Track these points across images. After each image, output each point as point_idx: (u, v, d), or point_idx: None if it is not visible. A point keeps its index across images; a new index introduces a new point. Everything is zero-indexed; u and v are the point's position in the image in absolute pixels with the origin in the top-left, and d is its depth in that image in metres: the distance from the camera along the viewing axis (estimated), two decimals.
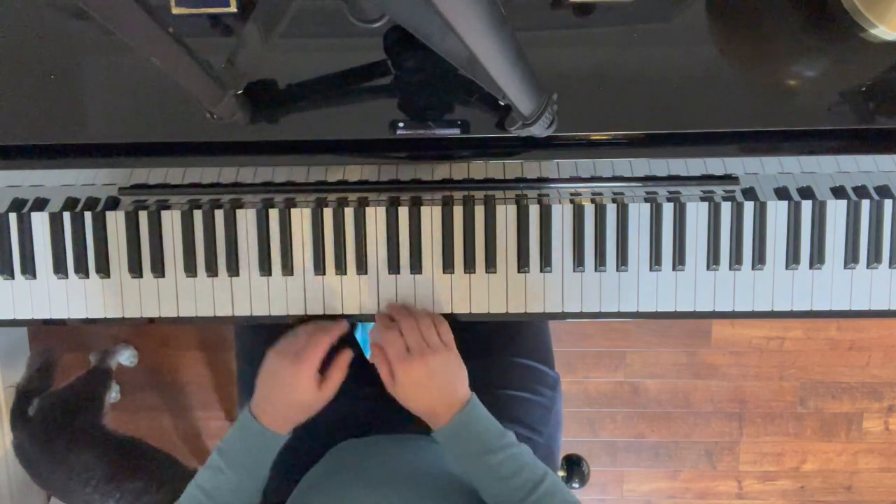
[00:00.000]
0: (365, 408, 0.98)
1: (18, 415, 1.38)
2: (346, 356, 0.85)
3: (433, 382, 0.79)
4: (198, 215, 0.89)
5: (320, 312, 0.91)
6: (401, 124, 0.69)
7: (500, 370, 1.01)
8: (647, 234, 0.91)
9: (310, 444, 0.88)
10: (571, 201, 0.90)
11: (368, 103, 0.71)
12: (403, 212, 0.90)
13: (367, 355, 1.09)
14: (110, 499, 1.33)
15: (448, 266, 0.90)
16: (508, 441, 0.77)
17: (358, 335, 1.48)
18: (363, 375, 1.08)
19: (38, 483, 1.39)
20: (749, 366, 1.89)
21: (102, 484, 1.32)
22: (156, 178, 0.78)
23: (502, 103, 0.66)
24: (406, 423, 0.96)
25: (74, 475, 1.32)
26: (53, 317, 0.91)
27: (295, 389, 0.80)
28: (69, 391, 1.47)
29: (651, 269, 0.91)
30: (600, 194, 0.87)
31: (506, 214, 0.90)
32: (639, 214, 0.90)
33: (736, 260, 0.91)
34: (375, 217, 0.89)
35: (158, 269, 0.90)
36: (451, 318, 0.92)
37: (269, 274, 0.90)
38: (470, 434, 0.77)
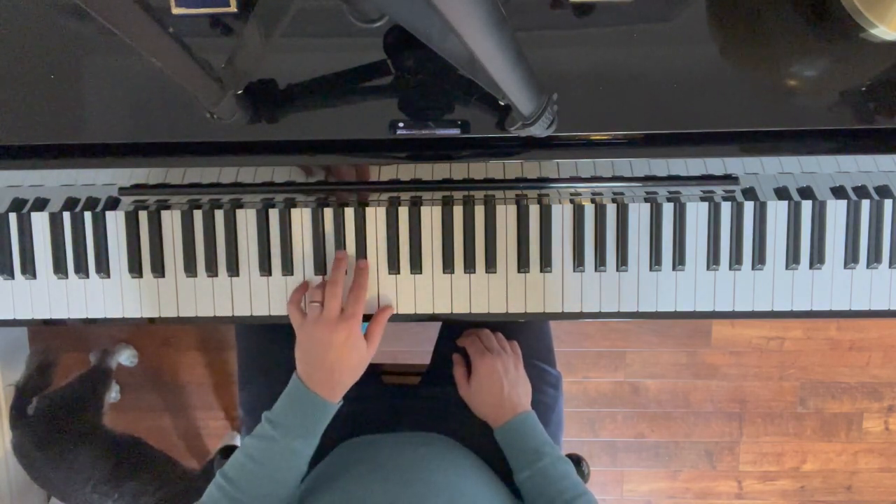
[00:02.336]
0: (368, 408, 0.98)
1: (18, 414, 1.38)
2: (387, 312, 0.89)
3: (506, 376, 0.91)
4: (198, 215, 0.89)
5: None
6: (401, 124, 0.69)
7: None
8: (647, 234, 0.91)
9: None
10: (571, 201, 0.90)
11: (368, 103, 0.71)
12: (403, 212, 0.90)
13: None
14: (109, 498, 1.33)
15: (448, 266, 0.90)
16: (559, 453, 0.86)
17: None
18: (366, 377, 1.08)
19: (37, 482, 1.39)
20: (749, 366, 1.89)
21: (101, 484, 1.32)
22: (156, 178, 0.78)
23: (502, 103, 0.66)
24: (408, 421, 0.96)
25: (73, 474, 1.32)
26: (53, 317, 0.91)
27: (351, 350, 0.81)
28: (69, 390, 1.47)
29: (651, 269, 0.91)
30: (600, 194, 0.87)
31: (506, 214, 0.90)
32: (639, 214, 0.90)
33: (736, 260, 0.91)
34: (375, 217, 0.90)
35: (158, 269, 0.90)
36: (452, 319, 0.92)
37: (269, 274, 0.90)
38: (528, 434, 0.87)
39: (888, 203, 0.91)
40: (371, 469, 0.80)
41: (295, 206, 0.89)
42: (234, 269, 0.90)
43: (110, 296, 0.91)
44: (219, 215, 0.89)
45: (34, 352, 1.50)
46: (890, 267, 0.92)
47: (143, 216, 0.89)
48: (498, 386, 0.90)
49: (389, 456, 0.84)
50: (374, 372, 1.15)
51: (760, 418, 1.92)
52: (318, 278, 0.90)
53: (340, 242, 0.89)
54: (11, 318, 0.91)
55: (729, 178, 0.79)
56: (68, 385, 1.49)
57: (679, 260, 0.91)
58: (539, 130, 0.60)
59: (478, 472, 0.84)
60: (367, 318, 0.91)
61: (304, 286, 0.89)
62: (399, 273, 0.90)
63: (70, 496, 1.35)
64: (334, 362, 0.80)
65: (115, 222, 0.90)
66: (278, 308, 0.91)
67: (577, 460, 1.04)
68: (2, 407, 1.62)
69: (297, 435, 0.79)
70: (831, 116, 0.70)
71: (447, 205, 0.90)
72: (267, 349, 1.03)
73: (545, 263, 0.90)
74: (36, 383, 1.43)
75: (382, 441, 0.89)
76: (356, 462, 0.83)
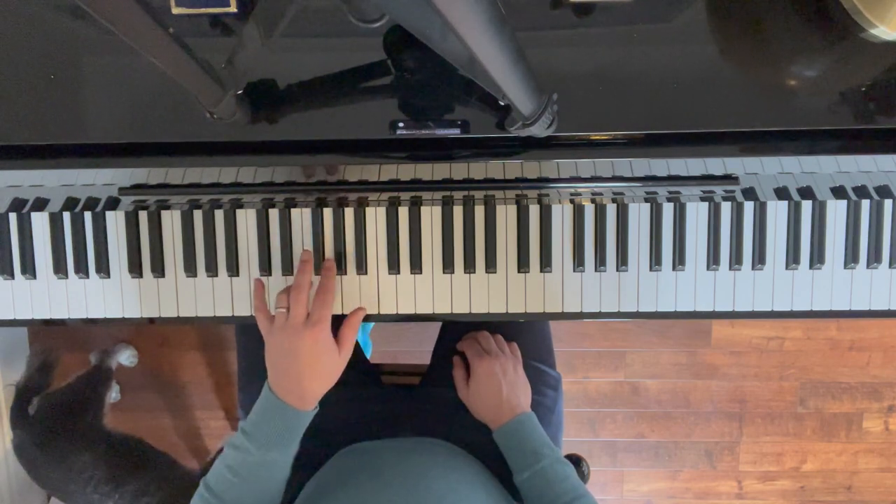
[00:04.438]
0: (368, 410, 0.98)
1: (19, 414, 1.38)
2: (359, 314, 0.87)
3: (504, 378, 0.91)
4: (198, 215, 0.89)
5: None
6: (401, 124, 0.69)
7: None
8: (647, 234, 0.91)
9: (314, 446, 0.89)
10: (571, 201, 0.90)
11: (368, 103, 0.71)
12: (403, 212, 0.90)
13: (368, 355, 1.08)
14: (109, 499, 1.33)
15: (448, 266, 0.90)
16: (558, 454, 0.86)
17: (358, 336, 1.48)
18: (366, 378, 1.08)
19: (37, 482, 1.39)
20: (749, 366, 1.89)
21: (102, 484, 1.32)
22: (156, 178, 0.78)
23: (502, 103, 0.66)
24: (409, 424, 0.96)
25: (74, 475, 1.32)
26: (53, 317, 0.91)
27: (319, 357, 0.78)
28: (70, 390, 1.47)
29: (651, 269, 0.91)
30: (600, 194, 0.87)
31: (506, 214, 0.90)
32: (639, 214, 0.90)
33: (736, 260, 0.91)
34: (375, 217, 0.90)
35: (158, 269, 0.90)
36: (452, 320, 0.92)
37: (269, 274, 0.90)
38: (527, 435, 0.86)
39: (888, 203, 0.91)
40: (372, 477, 0.80)
41: (295, 206, 0.89)
42: (234, 269, 0.90)
43: (110, 296, 0.91)
44: (219, 215, 0.89)
45: (35, 352, 1.50)
46: (890, 267, 0.92)
47: (143, 216, 0.89)
48: (496, 388, 0.90)
49: (391, 463, 0.83)
50: (374, 372, 1.15)
51: (760, 418, 1.92)
52: (318, 279, 0.90)
53: (340, 242, 0.89)
54: (11, 318, 0.91)
55: (729, 178, 0.79)
56: (69, 385, 1.49)
57: (679, 260, 0.91)
58: (539, 130, 0.60)
59: (479, 477, 0.84)
60: (366, 318, 0.91)
61: (261, 286, 0.86)
62: (399, 273, 0.90)
63: (71, 496, 1.35)
64: (302, 371, 0.77)
65: (115, 222, 0.90)
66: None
67: (576, 460, 1.04)
68: (2, 407, 1.62)
69: (273, 446, 0.76)
70: (831, 116, 0.70)
71: (447, 205, 0.90)
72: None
73: (545, 263, 0.90)
74: (37, 383, 1.43)
75: (383, 448, 0.89)
76: (357, 470, 0.83)
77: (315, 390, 0.79)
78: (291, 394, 0.77)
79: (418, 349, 1.81)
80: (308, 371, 0.78)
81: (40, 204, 0.88)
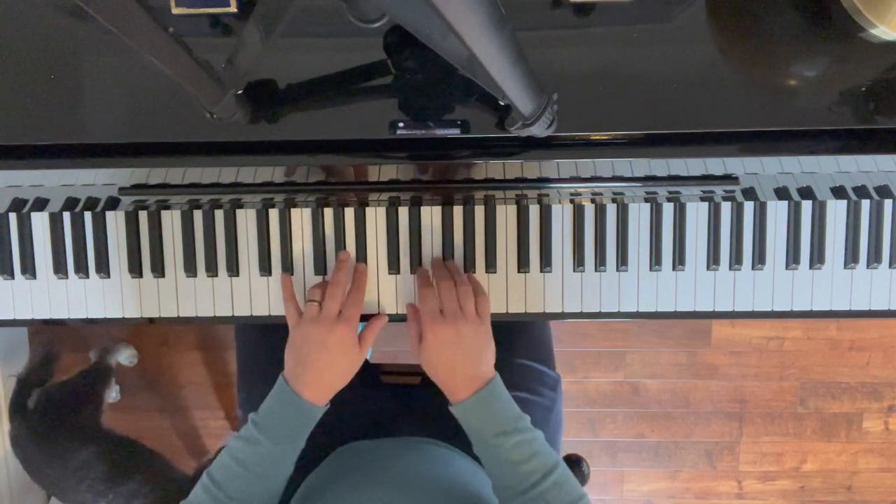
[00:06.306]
0: (368, 410, 0.98)
1: (18, 406, 1.37)
2: (382, 320, 0.88)
3: (459, 349, 0.77)
4: (198, 215, 0.89)
5: None
6: (401, 124, 0.69)
7: (500, 371, 1.02)
8: (647, 234, 0.91)
9: (312, 444, 0.89)
10: (571, 201, 0.90)
11: (368, 103, 0.71)
12: (403, 212, 0.90)
13: (368, 355, 1.08)
14: (103, 498, 1.32)
15: None
16: (524, 425, 0.76)
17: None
18: (366, 378, 1.08)
19: (32, 477, 1.38)
20: (749, 366, 1.89)
21: (97, 483, 1.32)
22: (156, 178, 0.78)
23: (502, 103, 0.66)
24: (408, 423, 0.96)
25: (70, 472, 1.32)
26: (53, 317, 0.91)
27: (344, 353, 0.80)
28: (70, 385, 1.47)
29: (651, 269, 0.91)
30: (600, 194, 0.87)
31: (506, 214, 0.90)
32: (639, 214, 0.90)
33: (736, 260, 0.91)
34: (375, 217, 0.90)
35: (158, 269, 0.90)
36: None
37: (269, 274, 0.90)
38: (487, 413, 0.76)
39: (888, 203, 0.91)
40: (368, 476, 0.80)
41: (295, 206, 0.89)
42: (234, 269, 0.90)
43: (110, 296, 0.91)
44: (219, 215, 0.89)
45: (37, 344, 1.50)
46: (890, 267, 0.92)
47: (143, 216, 0.89)
48: (448, 359, 0.77)
49: (387, 463, 0.83)
50: (374, 372, 1.15)
51: (760, 418, 1.92)
52: (319, 279, 0.90)
53: (340, 242, 0.89)
54: (11, 318, 0.91)
55: (729, 178, 0.79)
56: (69, 380, 1.49)
57: (679, 260, 0.91)
58: (539, 130, 0.60)
59: (477, 478, 0.84)
60: (364, 318, 0.91)
61: (289, 280, 0.87)
62: (399, 273, 0.90)
63: (65, 493, 1.35)
64: (326, 364, 0.79)
65: (115, 222, 0.90)
66: (278, 308, 0.91)
67: (577, 460, 1.04)
68: (2, 407, 1.62)
69: (283, 439, 0.77)
70: (831, 116, 0.70)
71: (447, 205, 0.90)
72: (266, 350, 1.03)
73: (545, 263, 0.90)
74: (39, 375, 1.43)
75: (380, 447, 0.89)
76: (353, 470, 0.83)
77: (333, 385, 0.80)
78: (309, 387, 0.78)
79: None
80: (332, 365, 0.79)
81: (40, 204, 0.88)
